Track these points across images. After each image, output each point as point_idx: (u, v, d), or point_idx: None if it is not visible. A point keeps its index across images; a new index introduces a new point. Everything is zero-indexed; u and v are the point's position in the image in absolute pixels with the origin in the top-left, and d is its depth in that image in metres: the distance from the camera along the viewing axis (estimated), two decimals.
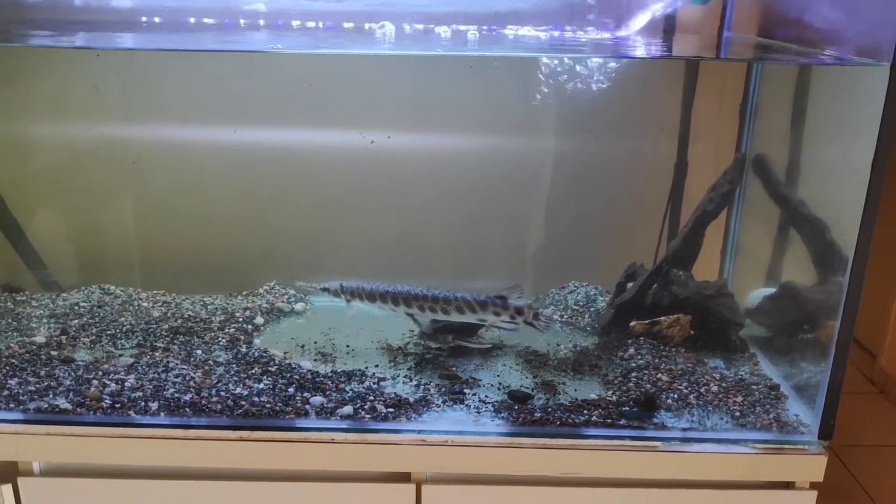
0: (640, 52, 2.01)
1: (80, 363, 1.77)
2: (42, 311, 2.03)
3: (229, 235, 2.23)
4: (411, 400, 1.68)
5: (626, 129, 2.18)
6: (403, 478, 1.63)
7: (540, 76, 2.07)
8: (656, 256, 2.17)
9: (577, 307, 2.13)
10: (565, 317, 2.10)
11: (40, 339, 1.87)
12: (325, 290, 1.93)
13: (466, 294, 1.81)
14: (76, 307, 2.06)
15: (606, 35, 2.07)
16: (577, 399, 1.70)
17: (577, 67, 2.04)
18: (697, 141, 2.11)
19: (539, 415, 1.64)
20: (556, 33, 2.07)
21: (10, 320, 1.98)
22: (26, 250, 2.18)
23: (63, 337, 1.89)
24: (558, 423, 1.63)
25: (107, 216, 2.25)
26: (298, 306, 2.15)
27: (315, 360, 1.86)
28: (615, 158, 2.19)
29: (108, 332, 1.91)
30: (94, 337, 1.89)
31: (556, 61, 2.04)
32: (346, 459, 1.61)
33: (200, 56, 2.06)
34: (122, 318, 1.99)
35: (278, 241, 2.22)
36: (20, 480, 1.61)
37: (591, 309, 2.12)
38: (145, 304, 2.09)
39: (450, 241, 2.22)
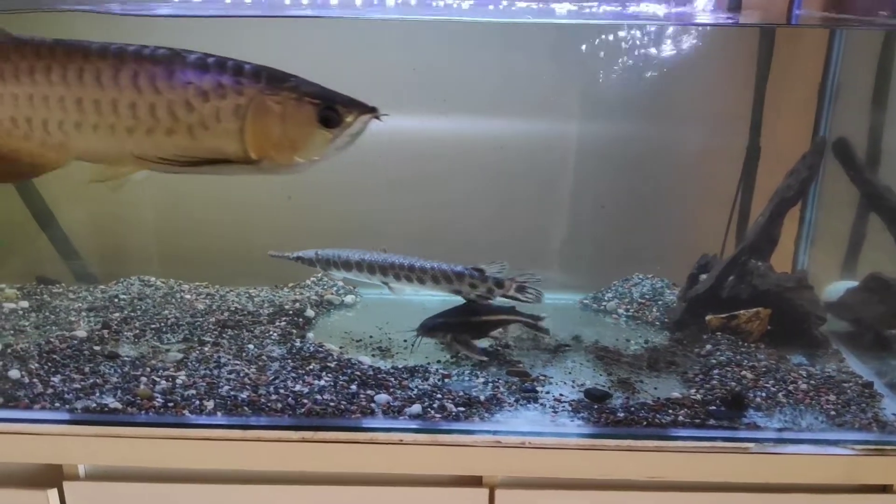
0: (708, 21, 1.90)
1: (125, 359, 1.66)
2: (80, 304, 1.92)
3: (270, 225, 2.11)
4: (482, 398, 1.57)
5: (692, 111, 2.07)
6: (475, 481, 1.52)
7: (599, 54, 1.95)
8: (724, 247, 2.06)
9: (644, 301, 2.01)
10: (630, 311, 1.99)
11: (81, 333, 1.76)
12: (298, 259, 1.90)
13: (443, 264, 1.76)
14: (115, 299, 1.95)
15: (664, 8, 1.96)
16: (659, 398, 1.59)
17: (641, 44, 1.93)
18: (771, 123, 1.99)
19: (622, 414, 1.53)
20: (618, 8, 1.96)
21: (47, 314, 1.87)
22: (59, 239, 2.08)
23: (105, 331, 1.78)
24: (644, 423, 1.51)
25: (142, 205, 2.14)
26: (348, 298, 2.05)
27: (373, 355, 1.75)
28: (680, 142, 2.08)
29: (152, 326, 1.81)
30: (137, 331, 1.79)
31: (614, 37, 1.93)
32: (415, 462, 1.49)
33: (239, 28, 1.95)
34: (166, 311, 1.88)
35: (330, 230, 2.10)
36: (66, 485, 1.50)
37: (659, 302, 2.00)
38: (188, 297, 1.98)
39: (505, 232, 2.11)
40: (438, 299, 1.90)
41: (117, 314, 1.86)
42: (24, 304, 1.91)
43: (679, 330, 1.86)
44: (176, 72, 1.25)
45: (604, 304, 2.02)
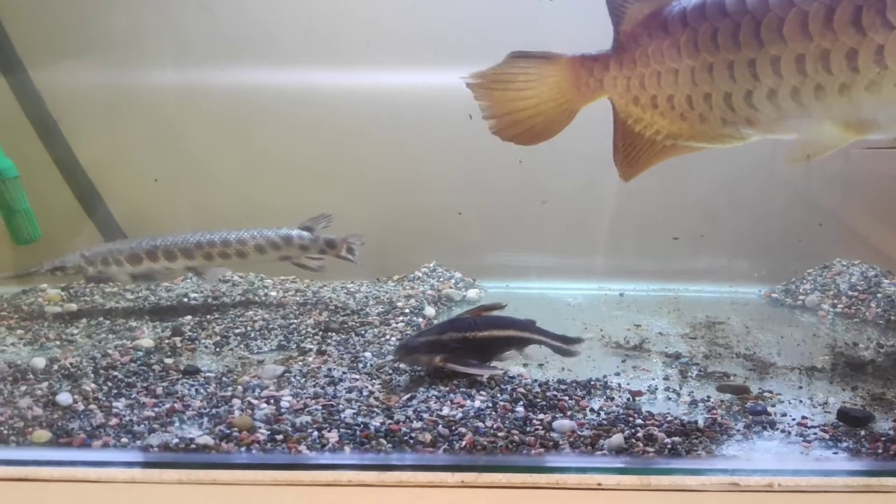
0: None
1: (208, 374, 1.25)
2: (141, 306, 1.53)
3: (369, 205, 1.71)
4: (700, 423, 1.14)
5: None
6: None
7: None
8: None
9: (856, 293, 1.57)
10: (840, 307, 1.56)
11: (147, 341, 1.36)
12: (56, 270, 1.51)
13: (265, 230, 1.51)
14: (184, 300, 1.55)
15: None
16: None
17: None
18: None
19: None
20: None
21: (100, 318, 1.48)
22: (107, 224, 1.69)
23: (176, 338, 1.38)
24: None
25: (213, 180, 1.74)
26: (471, 293, 1.65)
27: (525, 364, 1.34)
28: None
29: (237, 331, 1.41)
30: (217, 338, 1.39)
31: None
32: None
33: None
34: (251, 312, 1.48)
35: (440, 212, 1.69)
36: None
37: (878, 295, 1.56)
38: (273, 294, 1.58)
39: (675, 213, 1.69)
40: (577, 292, 1.49)
41: (189, 318, 1.46)
42: (73, 306, 1.52)
43: None
44: None
45: (801, 298, 1.58)
